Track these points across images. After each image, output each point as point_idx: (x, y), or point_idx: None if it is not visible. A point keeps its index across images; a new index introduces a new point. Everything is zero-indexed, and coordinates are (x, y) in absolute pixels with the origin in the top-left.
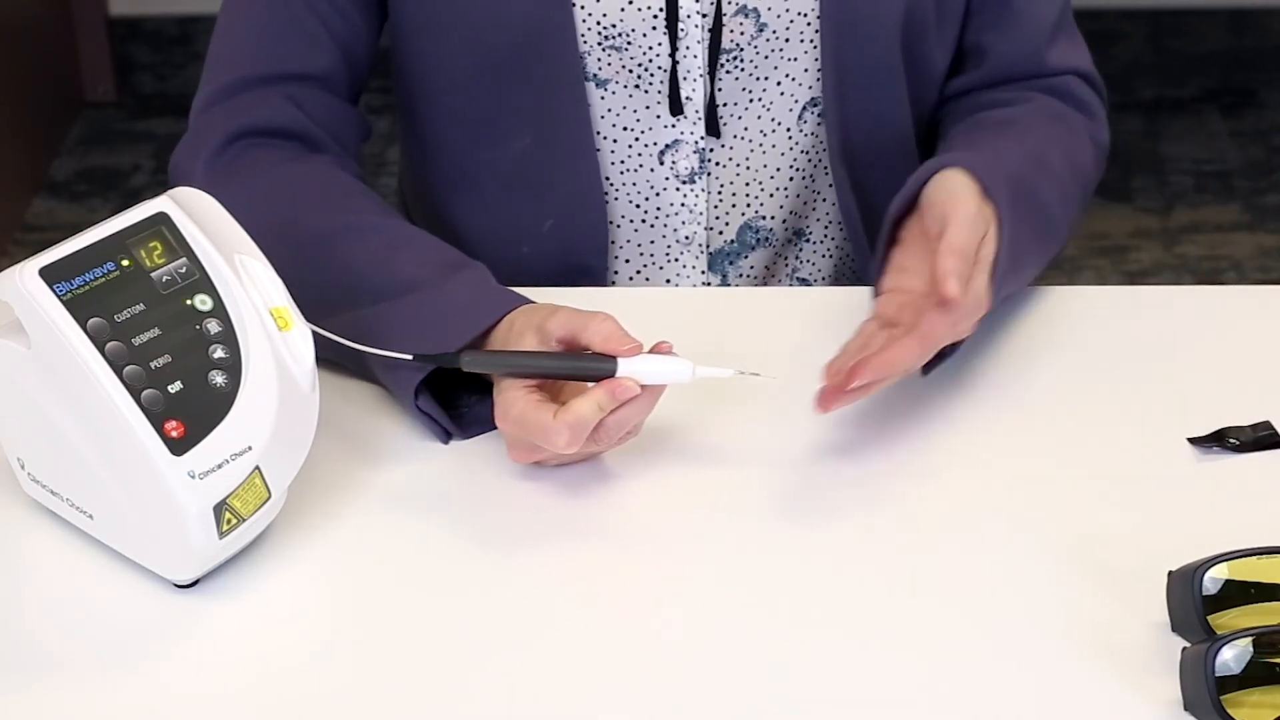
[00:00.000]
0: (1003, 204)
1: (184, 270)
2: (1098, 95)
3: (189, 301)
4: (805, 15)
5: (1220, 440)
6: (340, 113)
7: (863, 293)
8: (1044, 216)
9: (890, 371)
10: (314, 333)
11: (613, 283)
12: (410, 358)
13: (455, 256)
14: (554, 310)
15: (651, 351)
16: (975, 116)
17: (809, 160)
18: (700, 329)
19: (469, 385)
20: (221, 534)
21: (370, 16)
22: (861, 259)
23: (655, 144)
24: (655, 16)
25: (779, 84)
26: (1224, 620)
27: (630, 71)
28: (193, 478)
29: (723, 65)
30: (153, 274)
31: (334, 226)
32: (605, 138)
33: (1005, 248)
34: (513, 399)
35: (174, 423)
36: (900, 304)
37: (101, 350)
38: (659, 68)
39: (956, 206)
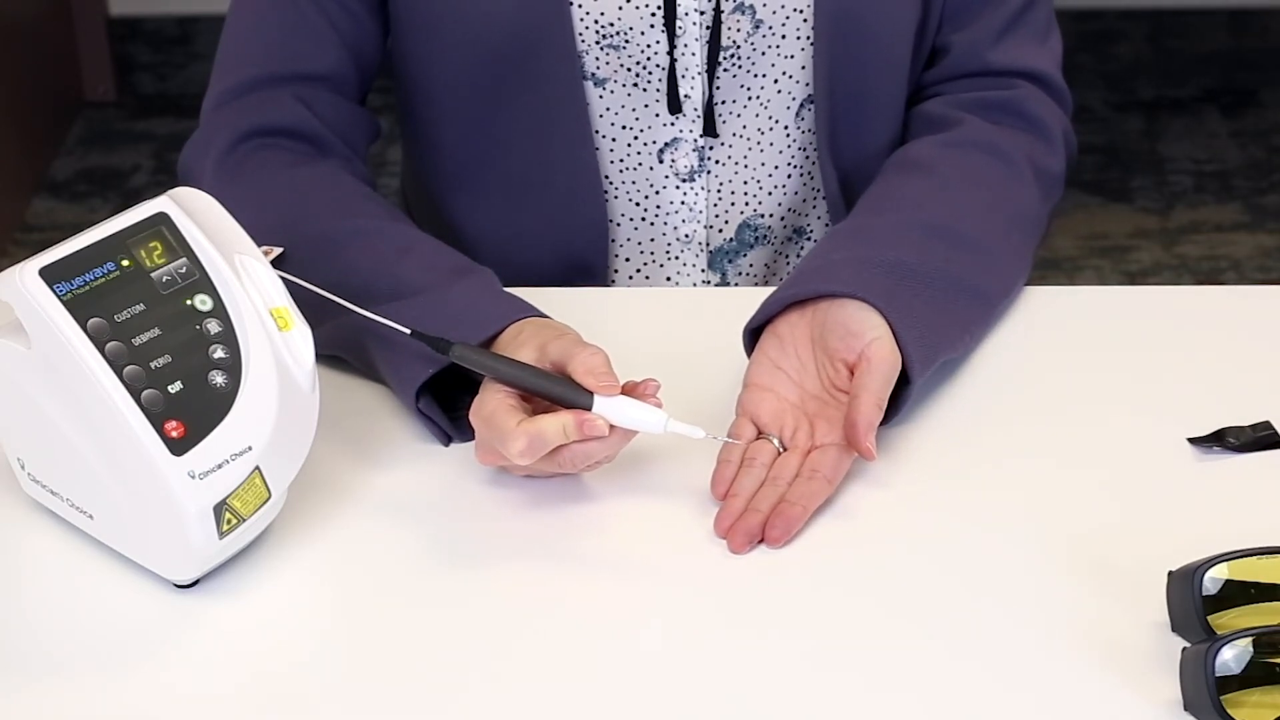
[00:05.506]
0: (908, 344)
1: (184, 270)
2: (1059, 104)
3: (189, 301)
4: (800, 11)
5: (1220, 440)
6: (349, 113)
7: None
8: (956, 291)
9: (805, 517)
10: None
11: (613, 281)
12: (408, 332)
13: (462, 262)
14: (561, 334)
15: (640, 388)
16: (893, 178)
17: (806, 158)
18: (700, 328)
19: (470, 389)
20: (221, 534)
21: (378, 16)
22: None
23: (654, 142)
24: (654, 15)
25: (776, 81)
26: (1224, 620)
27: (629, 70)
28: (193, 478)
29: (720, 63)
30: (153, 274)
31: (341, 230)
32: (604, 136)
33: (916, 364)
34: (489, 398)
35: (174, 423)
36: (774, 410)
37: (101, 350)
38: (657, 65)
39: (869, 363)
